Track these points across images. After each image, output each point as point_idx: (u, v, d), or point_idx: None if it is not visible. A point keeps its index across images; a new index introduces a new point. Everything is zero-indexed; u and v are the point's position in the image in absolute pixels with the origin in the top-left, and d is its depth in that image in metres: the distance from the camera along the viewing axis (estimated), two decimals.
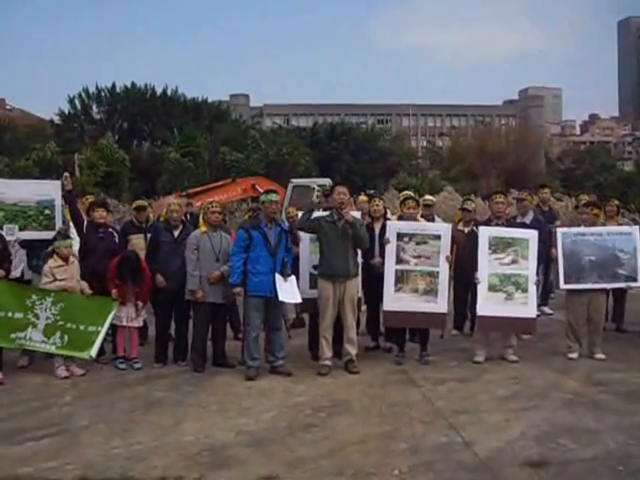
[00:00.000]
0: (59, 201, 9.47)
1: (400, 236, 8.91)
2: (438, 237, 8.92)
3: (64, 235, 8.86)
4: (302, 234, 8.89)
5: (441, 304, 8.85)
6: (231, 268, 8.38)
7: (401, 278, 8.85)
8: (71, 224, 9.55)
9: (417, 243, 8.89)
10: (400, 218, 9.55)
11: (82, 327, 8.55)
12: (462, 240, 9.83)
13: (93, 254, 9.04)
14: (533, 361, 8.83)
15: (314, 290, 8.71)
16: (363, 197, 11.24)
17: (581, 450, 5.76)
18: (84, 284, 8.67)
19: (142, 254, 9.14)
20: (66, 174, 9.62)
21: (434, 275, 8.85)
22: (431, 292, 8.83)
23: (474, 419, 6.60)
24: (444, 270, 8.87)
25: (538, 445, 5.87)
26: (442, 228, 9.21)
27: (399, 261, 8.87)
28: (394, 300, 8.81)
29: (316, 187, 9.74)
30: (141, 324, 9.12)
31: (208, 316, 8.72)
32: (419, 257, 8.88)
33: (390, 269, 8.86)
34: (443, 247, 8.88)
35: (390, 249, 8.86)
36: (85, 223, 9.36)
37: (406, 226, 9.08)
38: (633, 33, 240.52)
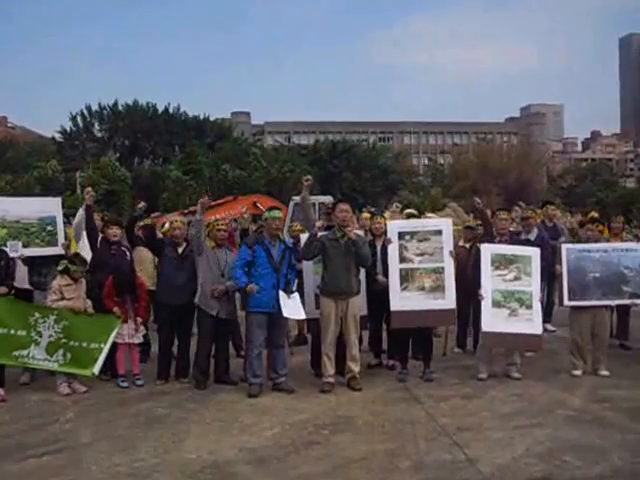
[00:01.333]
0: (60, 218, 9.49)
1: (402, 235, 8.85)
2: (439, 232, 8.85)
3: (82, 260, 8.81)
4: None
5: (449, 300, 8.76)
6: (234, 280, 8.39)
7: (406, 277, 8.77)
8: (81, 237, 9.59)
9: (419, 240, 8.82)
10: None
11: (85, 344, 8.53)
12: (463, 256, 9.81)
13: (104, 270, 8.99)
14: (537, 378, 8.78)
15: (319, 310, 8.69)
16: (365, 214, 11.25)
17: (587, 468, 5.72)
18: (89, 302, 8.65)
19: (149, 264, 9.16)
20: (89, 188, 9.65)
21: (439, 271, 8.76)
22: (438, 289, 8.74)
23: (478, 436, 6.57)
24: (449, 265, 8.78)
25: (542, 462, 5.84)
26: (442, 223, 9.17)
27: (402, 260, 8.81)
28: (401, 300, 8.72)
29: (304, 176, 9.67)
30: (141, 340, 9.07)
31: (213, 332, 8.70)
32: (422, 254, 8.80)
33: (394, 269, 8.79)
34: (445, 242, 8.82)
35: (393, 249, 8.81)
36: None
37: (406, 224, 9.07)
38: (635, 50, 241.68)
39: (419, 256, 8.83)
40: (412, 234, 8.87)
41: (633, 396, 7.91)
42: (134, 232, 9.80)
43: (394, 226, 9.04)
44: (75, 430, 6.95)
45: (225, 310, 8.71)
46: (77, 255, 8.90)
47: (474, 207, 10.49)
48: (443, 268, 8.78)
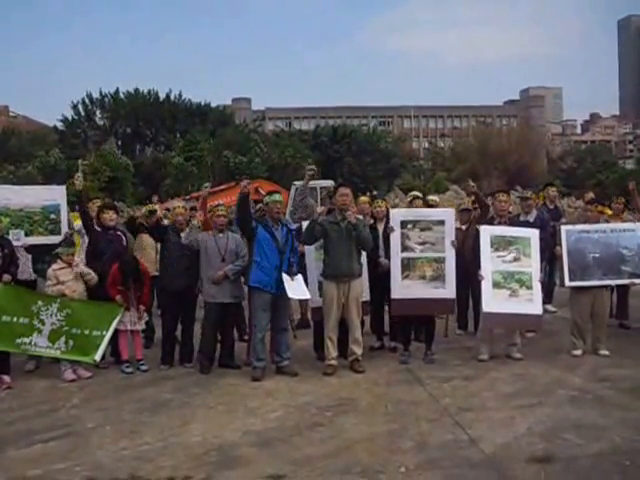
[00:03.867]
0: (65, 206, 9.51)
1: (404, 224, 8.89)
2: (442, 222, 8.90)
3: (68, 242, 8.89)
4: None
5: (449, 289, 8.83)
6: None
7: (407, 266, 8.82)
8: (78, 227, 9.62)
9: (421, 230, 8.87)
10: None
11: (87, 332, 8.60)
12: (461, 238, 9.83)
13: (102, 257, 9.02)
14: (537, 358, 8.82)
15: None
16: (364, 198, 11.22)
17: (587, 445, 5.76)
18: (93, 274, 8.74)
19: (150, 250, 9.21)
20: (78, 174, 9.58)
21: (440, 261, 8.82)
22: (438, 278, 8.81)
23: (480, 416, 6.61)
24: (450, 255, 8.84)
25: (544, 441, 5.89)
26: (445, 213, 9.20)
27: (404, 249, 8.84)
28: (402, 288, 8.78)
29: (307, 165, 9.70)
30: (143, 327, 9.12)
31: (218, 317, 8.73)
32: (424, 243, 8.86)
33: (396, 257, 8.83)
34: (447, 232, 8.87)
35: (395, 237, 8.84)
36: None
37: (409, 213, 9.12)
38: (633, 31, 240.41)
39: (421, 245, 8.87)
40: (414, 223, 8.91)
41: (633, 375, 7.95)
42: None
43: (397, 215, 9.06)
44: (81, 415, 7.00)
45: (229, 294, 8.72)
46: (66, 239, 8.98)
47: (469, 190, 10.54)
48: (444, 258, 8.84)
